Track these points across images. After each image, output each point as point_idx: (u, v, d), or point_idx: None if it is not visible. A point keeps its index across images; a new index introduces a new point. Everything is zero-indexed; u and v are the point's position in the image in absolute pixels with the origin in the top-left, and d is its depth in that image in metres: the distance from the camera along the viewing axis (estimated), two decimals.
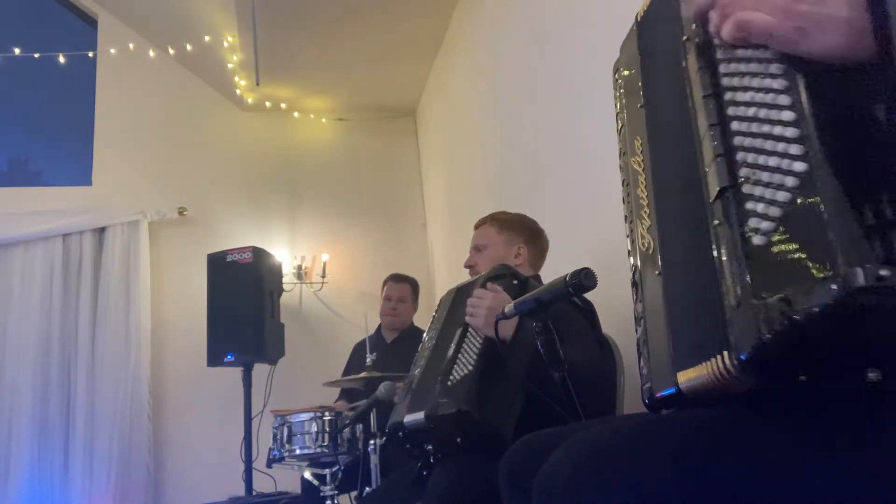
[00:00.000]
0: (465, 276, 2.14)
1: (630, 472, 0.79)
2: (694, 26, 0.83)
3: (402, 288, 3.64)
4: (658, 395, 0.88)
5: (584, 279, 1.30)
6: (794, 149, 0.67)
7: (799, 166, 0.66)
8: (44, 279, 4.51)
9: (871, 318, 0.62)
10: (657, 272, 0.90)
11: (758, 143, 0.71)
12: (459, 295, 1.97)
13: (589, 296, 1.78)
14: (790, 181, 0.67)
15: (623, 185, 1.02)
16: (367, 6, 4.09)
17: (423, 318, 3.48)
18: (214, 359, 4.10)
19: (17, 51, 4.55)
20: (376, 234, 5.23)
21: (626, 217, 1.01)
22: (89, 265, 4.62)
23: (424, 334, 2.03)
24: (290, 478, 3.70)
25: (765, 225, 0.69)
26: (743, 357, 0.70)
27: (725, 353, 0.73)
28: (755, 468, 0.78)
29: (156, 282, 4.73)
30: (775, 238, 0.68)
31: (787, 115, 0.68)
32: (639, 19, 1.00)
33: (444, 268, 4.87)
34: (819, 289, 0.62)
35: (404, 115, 5.54)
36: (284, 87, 4.96)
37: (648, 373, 0.91)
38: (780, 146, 0.68)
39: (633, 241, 0.98)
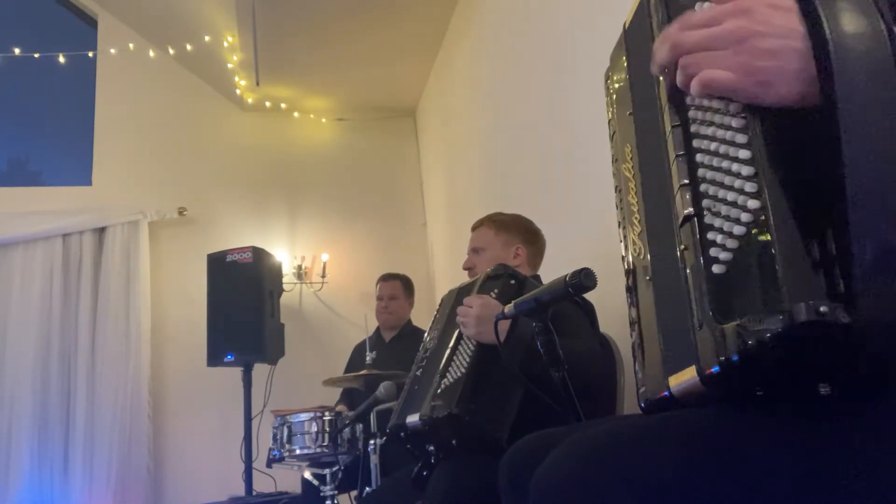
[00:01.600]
0: (465, 276, 2.14)
1: (628, 470, 0.79)
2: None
3: (393, 285, 3.64)
4: (652, 399, 0.89)
5: (584, 279, 1.30)
6: (749, 186, 0.72)
7: (752, 203, 0.71)
8: (44, 279, 4.51)
9: (815, 345, 0.69)
10: (648, 278, 0.92)
11: (718, 176, 0.75)
12: (460, 296, 1.97)
13: (589, 296, 1.78)
14: (745, 217, 0.72)
15: (616, 192, 1.04)
16: (367, 6, 4.09)
17: (422, 317, 3.49)
18: (214, 359, 4.11)
19: (17, 51, 4.55)
20: (376, 234, 5.24)
21: (619, 223, 1.03)
22: (89, 265, 4.62)
23: (426, 335, 2.03)
24: (290, 478, 3.71)
25: (723, 255, 0.74)
26: (705, 374, 0.77)
27: (693, 366, 0.79)
28: (753, 468, 0.78)
29: (156, 282, 4.73)
30: (732, 268, 0.74)
31: (744, 154, 0.73)
32: (626, 27, 1.02)
33: (444, 268, 4.87)
34: (768, 320, 0.68)
35: (404, 115, 5.54)
36: (284, 87, 4.96)
37: (643, 377, 0.92)
38: (737, 182, 0.73)
39: (626, 247, 1.00)
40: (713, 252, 0.75)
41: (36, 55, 4.61)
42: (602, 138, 2.27)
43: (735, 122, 0.74)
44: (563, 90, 2.73)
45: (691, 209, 0.78)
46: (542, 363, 1.40)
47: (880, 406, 0.77)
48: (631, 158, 0.99)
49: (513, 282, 1.79)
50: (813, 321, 0.65)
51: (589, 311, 1.86)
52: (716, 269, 0.75)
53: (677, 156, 0.81)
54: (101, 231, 4.71)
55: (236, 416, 4.19)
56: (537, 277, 2.09)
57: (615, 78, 1.07)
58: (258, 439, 4.02)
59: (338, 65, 4.70)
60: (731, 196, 0.74)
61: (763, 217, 0.71)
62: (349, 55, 4.58)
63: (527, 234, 2.15)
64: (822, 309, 0.65)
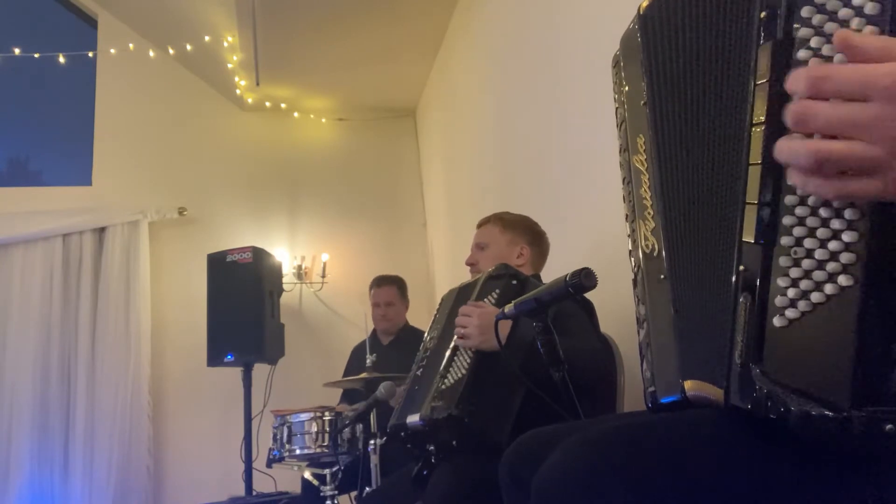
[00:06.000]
0: (465, 276, 2.14)
1: (629, 470, 0.79)
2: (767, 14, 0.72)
3: (388, 291, 3.61)
4: (662, 400, 0.88)
5: (584, 279, 1.29)
6: (846, 257, 0.63)
7: (844, 280, 0.63)
8: (44, 279, 4.51)
9: (865, 442, 0.63)
10: (662, 276, 0.88)
11: (810, 220, 0.65)
12: (461, 295, 1.97)
13: (589, 295, 1.78)
14: (830, 288, 0.64)
15: (624, 183, 0.99)
16: (367, 6, 4.09)
17: (422, 317, 3.48)
18: (214, 359, 4.10)
19: (17, 51, 4.55)
20: (376, 233, 5.23)
21: (626, 216, 0.98)
22: (89, 265, 4.61)
23: (426, 334, 2.02)
24: (290, 478, 3.70)
25: (790, 312, 0.66)
26: (732, 404, 0.74)
27: (723, 391, 0.75)
28: (754, 470, 0.78)
29: (156, 282, 4.73)
30: (795, 330, 0.66)
31: (850, 213, 0.63)
32: (641, 12, 0.96)
33: (444, 268, 4.87)
34: (821, 408, 0.62)
35: (404, 115, 5.54)
36: (284, 87, 4.96)
37: (652, 377, 0.90)
38: (833, 244, 0.64)
39: (634, 241, 0.96)
40: (779, 302, 0.67)
41: (36, 55, 4.60)
42: (604, 137, 2.27)
43: None
44: (564, 89, 2.73)
45: (765, 237, 0.68)
46: (544, 364, 1.40)
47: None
48: (644, 150, 0.93)
49: (514, 282, 1.77)
50: (869, 433, 0.60)
51: (589, 309, 1.85)
52: (777, 321, 0.67)
53: (764, 161, 0.69)
54: (101, 231, 4.71)
55: (236, 416, 4.18)
56: (538, 278, 2.09)
57: (625, 64, 1.00)
58: (258, 439, 4.02)
59: (338, 65, 4.70)
60: (819, 254, 0.64)
61: (849, 297, 0.62)
62: (349, 55, 4.58)
63: (532, 235, 2.14)
64: (887, 428, 0.60)
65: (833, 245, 0.64)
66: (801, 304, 0.66)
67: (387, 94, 5.23)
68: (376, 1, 4.06)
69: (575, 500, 0.80)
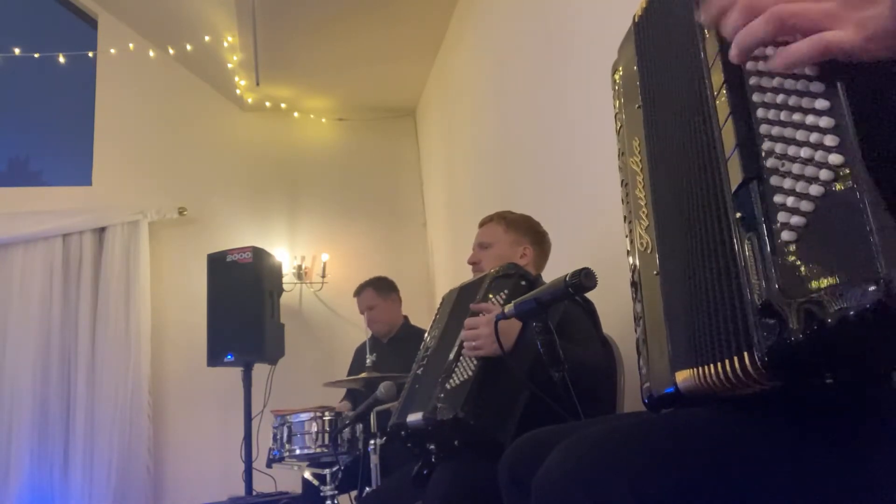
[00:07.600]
0: (466, 275, 2.14)
1: (629, 469, 0.79)
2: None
3: (365, 296, 3.58)
4: (657, 394, 0.88)
5: (584, 279, 1.29)
6: (829, 139, 0.62)
7: (834, 158, 0.61)
8: (44, 279, 4.51)
9: None
10: (655, 272, 0.90)
11: (787, 132, 0.66)
12: (462, 294, 1.97)
13: (589, 296, 1.78)
14: (824, 174, 0.62)
15: (622, 186, 1.02)
16: (367, 6, 4.09)
17: (422, 317, 3.48)
18: (214, 359, 4.10)
19: (17, 51, 4.55)
20: (376, 233, 5.23)
21: (625, 217, 1.01)
22: (89, 265, 4.62)
23: (426, 334, 2.02)
24: (290, 478, 3.71)
25: (795, 220, 0.64)
26: (768, 359, 0.66)
27: (745, 354, 0.69)
28: (753, 468, 0.78)
29: (156, 282, 4.73)
30: (807, 234, 0.63)
31: (821, 104, 0.64)
32: (636, 20, 1.00)
33: (444, 268, 4.87)
34: (855, 291, 0.58)
35: (404, 115, 5.54)
36: (284, 87, 4.96)
37: (647, 372, 0.91)
38: (813, 136, 0.63)
39: (631, 241, 0.98)
40: (782, 217, 0.65)
41: (36, 55, 4.60)
42: (603, 137, 2.27)
43: (809, 69, 0.64)
44: (564, 89, 2.73)
45: (753, 171, 0.68)
46: (545, 364, 1.39)
47: (878, 408, 0.77)
48: (639, 151, 0.96)
49: (523, 283, 1.75)
50: None
51: (591, 311, 1.85)
52: (786, 235, 0.64)
53: (732, 112, 0.71)
54: (101, 231, 4.71)
55: (236, 416, 4.19)
56: (539, 278, 2.09)
57: (623, 71, 1.04)
58: (258, 439, 4.02)
59: (338, 65, 4.70)
60: (804, 152, 0.64)
61: (847, 174, 0.60)
62: (349, 55, 4.58)
63: (535, 235, 2.13)
64: None
65: (814, 137, 0.63)
66: (804, 205, 0.63)
67: (387, 94, 5.23)
68: (376, 1, 4.06)
69: (575, 500, 0.80)
